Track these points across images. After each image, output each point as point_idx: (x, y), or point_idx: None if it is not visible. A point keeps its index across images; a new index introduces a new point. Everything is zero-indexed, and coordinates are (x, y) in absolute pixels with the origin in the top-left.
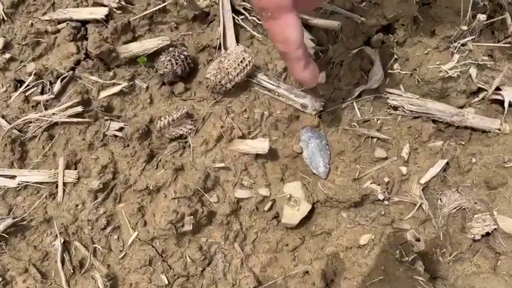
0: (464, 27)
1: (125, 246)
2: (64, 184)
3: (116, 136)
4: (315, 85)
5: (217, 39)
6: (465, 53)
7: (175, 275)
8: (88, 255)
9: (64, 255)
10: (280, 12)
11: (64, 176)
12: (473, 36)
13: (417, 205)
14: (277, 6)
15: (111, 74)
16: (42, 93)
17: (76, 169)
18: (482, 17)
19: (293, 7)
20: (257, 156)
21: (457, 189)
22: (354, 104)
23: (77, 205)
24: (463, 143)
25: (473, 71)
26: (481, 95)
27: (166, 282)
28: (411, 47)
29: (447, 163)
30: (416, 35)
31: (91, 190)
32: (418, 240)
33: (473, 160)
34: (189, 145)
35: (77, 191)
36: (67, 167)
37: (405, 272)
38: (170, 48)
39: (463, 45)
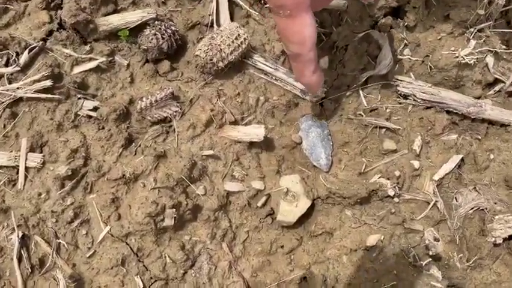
0: (481, 12)
1: (94, 243)
2: (26, 169)
3: (89, 117)
4: (319, 91)
5: (209, 15)
6: (482, 39)
7: (151, 278)
8: (50, 252)
9: (22, 251)
10: (299, 10)
11: (26, 159)
12: (491, 22)
13: (431, 204)
14: (296, 3)
15: (87, 48)
16: (6, 65)
17: (41, 152)
18: (501, 0)
19: (310, 5)
20: (251, 144)
21: (474, 188)
22: (360, 91)
23: (40, 194)
24: (479, 137)
25: (489, 60)
26: (498, 87)
27: (141, 285)
28: (422, 32)
29: (462, 159)
30: (428, 19)
31: (58, 177)
32: (437, 240)
33: (491, 156)
34: (174, 129)
35: (41, 177)
36: (31, 149)
37: (420, 278)
38: (156, 22)
39: (479, 30)
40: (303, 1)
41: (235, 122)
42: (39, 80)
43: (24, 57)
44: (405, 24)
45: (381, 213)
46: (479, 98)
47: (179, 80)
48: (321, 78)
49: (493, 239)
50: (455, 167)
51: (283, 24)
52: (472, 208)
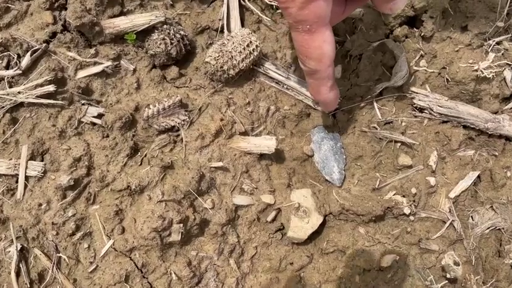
0: (501, 24)
1: (96, 257)
2: (26, 178)
3: (93, 124)
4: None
5: (220, 20)
6: (500, 52)
7: None
8: (50, 267)
9: (20, 265)
10: (319, 25)
11: (26, 168)
12: (509, 35)
13: (448, 223)
14: (317, 17)
15: (92, 51)
16: (7, 67)
17: (42, 161)
18: None
19: (329, 21)
20: (261, 156)
21: (491, 206)
22: (374, 103)
23: (40, 204)
24: (496, 153)
25: (507, 74)
26: None
27: None
28: (439, 42)
29: (478, 176)
30: (445, 30)
31: (59, 187)
32: (457, 264)
33: (508, 174)
34: (181, 139)
35: (41, 187)
36: (31, 157)
37: None
38: (165, 26)
39: (498, 43)
40: (324, 16)
41: (245, 133)
42: (41, 85)
43: (26, 60)
44: (422, 34)
45: (396, 232)
46: (496, 112)
47: (187, 87)
48: (337, 96)
49: (511, 261)
50: (471, 184)
51: (302, 40)
52: (489, 228)
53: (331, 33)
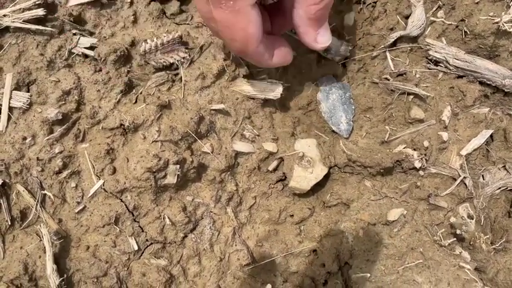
0: None
1: (84, 198)
2: (10, 109)
3: (85, 56)
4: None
5: None
6: None
7: (147, 240)
8: (34, 205)
9: (1, 200)
10: (245, 2)
11: (10, 98)
12: None
13: (458, 180)
14: None
15: None
16: None
17: (28, 91)
18: None
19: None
20: (265, 102)
21: (504, 166)
22: (387, 53)
23: (25, 138)
24: (511, 113)
25: None
26: None
27: (136, 247)
28: None
29: (491, 135)
30: None
31: (46, 121)
32: (471, 218)
33: None
34: (180, 78)
35: (26, 120)
36: (16, 87)
37: (447, 258)
38: None
39: None
40: None
41: (249, 76)
42: (29, 9)
43: None
44: None
45: (404, 187)
46: None
47: (188, 24)
48: (286, 54)
49: None
50: (483, 142)
51: (226, 20)
52: (500, 188)
53: (257, 12)
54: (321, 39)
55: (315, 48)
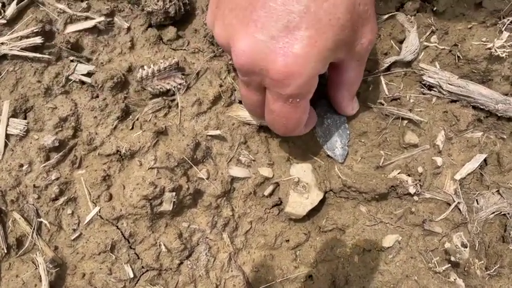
0: None
1: (80, 225)
2: (7, 136)
3: (82, 83)
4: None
5: None
6: None
7: (143, 267)
8: (30, 232)
9: None
10: (306, 97)
11: (7, 125)
12: None
13: (453, 205)
14: (311, 91)
15: (84, 5)
16: None
17: (25, 118)
18: None
19: None
20: (260, 127)
21: (497, 191)
22: (382, 78)
23: (21, 165)
24: (504, 136)
25: None
26: None
27: (131, 275)
28: (451, 19)
29: (485, 159)
30: (458, 6)
31: (43, 148)
32: (465, 246)
33: None
34: (177, 104)
35: (23, 147)
36: (13, 114)
37: (442, 286)
38: None
39: None
40: (314, 88)
41: None
42: (27, 37)
43: (11, 9)
44: (434, 9)
45: (399, 212)
46: (506, 95)
47: (185, 49)
48: (314, 118)
49: None
50: (477, 166)
51: (286, 112)
52: (493, 212)
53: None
54: (355, 106)
55: (350, 114)
